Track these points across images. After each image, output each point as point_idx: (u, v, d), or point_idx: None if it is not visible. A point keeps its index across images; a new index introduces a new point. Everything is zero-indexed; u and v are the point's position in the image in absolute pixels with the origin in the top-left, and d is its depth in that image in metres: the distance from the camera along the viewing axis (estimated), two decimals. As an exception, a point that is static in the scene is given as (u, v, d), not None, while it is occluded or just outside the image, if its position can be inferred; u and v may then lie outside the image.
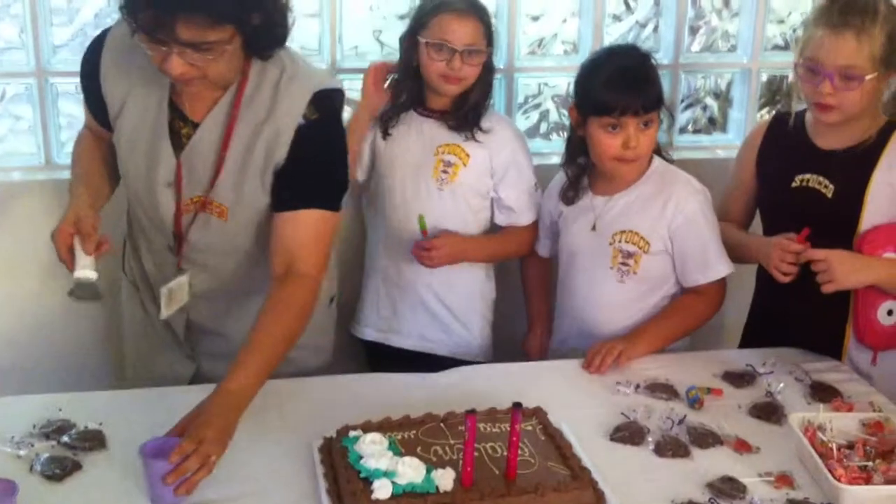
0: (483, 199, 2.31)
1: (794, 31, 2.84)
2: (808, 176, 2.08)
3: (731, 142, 2.88)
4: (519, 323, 2.46)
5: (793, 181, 2.10)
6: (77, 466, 1.61)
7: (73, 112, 2.51)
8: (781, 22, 2.95)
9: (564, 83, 2.85)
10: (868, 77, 1.92)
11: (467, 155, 2.26)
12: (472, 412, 1.52)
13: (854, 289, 2.01)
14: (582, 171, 2.20)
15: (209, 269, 1.95)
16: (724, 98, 2.97)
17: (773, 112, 2.34)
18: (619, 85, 2.05)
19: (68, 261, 1.69)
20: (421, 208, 2.24)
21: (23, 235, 2.45)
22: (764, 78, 2.91)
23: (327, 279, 1.99)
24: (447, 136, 2.26)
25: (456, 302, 2.34)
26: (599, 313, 2.17)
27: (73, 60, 2.50)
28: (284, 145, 1.79)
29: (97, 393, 1.90)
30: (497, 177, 2.30)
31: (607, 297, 2.16)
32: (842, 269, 1.92)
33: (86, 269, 1.67)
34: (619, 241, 2.13)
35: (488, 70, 2.26)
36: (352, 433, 1.61)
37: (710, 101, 3.00)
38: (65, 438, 1.68)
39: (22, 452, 1.63)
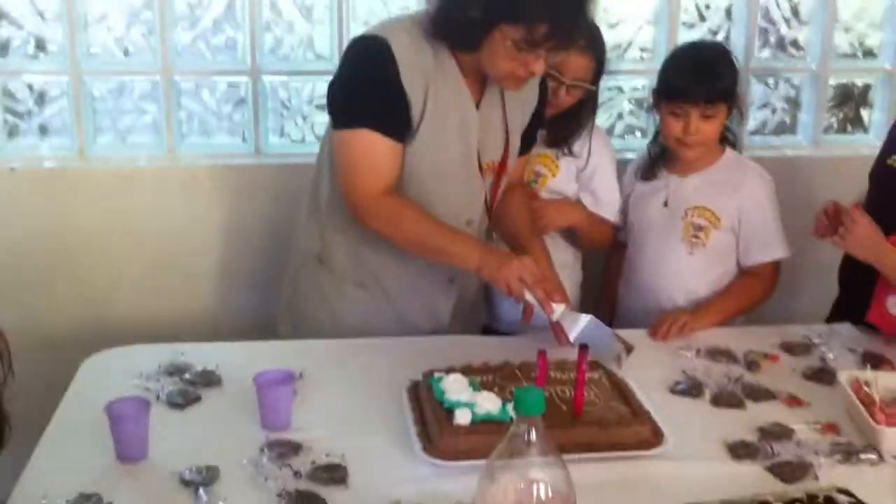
0: None
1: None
2: None
3: (800, 143, 3.03)
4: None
5: (889, 159, 2.23)
6: (197, 398, 1.84)
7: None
8: (848, 31, 3.08)
9: (640, 86, 3.03)
10: None
11: (557, 167, 2.44)
12: (543, 351, 1.72)
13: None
14: (663, 151, 2.39)
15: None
16: (794, 102, 3.11)
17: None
18: (686, 75, 2.24)
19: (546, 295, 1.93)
20: None
21: (148, 213, 2.79)
22: (832, 83, 3.06)
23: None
24: (538, 147, 2.37)
25: None
26: (669, 284, 2.35)
27: (193, 61, 2.81)
28: (534, 95, 2.13)
29: (212, 343, 2.14)
30: (584, 180, 2.46)
31: (676, 267, 2.34)
32: (856, 237, 2.05)
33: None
34: (692, 216, 2.32)
35: (593, 98, 2.40)
36: (436, 374, 1.81)
37: (780, 104, 3.14)
38: (186, 376, 1.92)
39: (150, 385, 1.88)
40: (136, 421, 1.60)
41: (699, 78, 2.23)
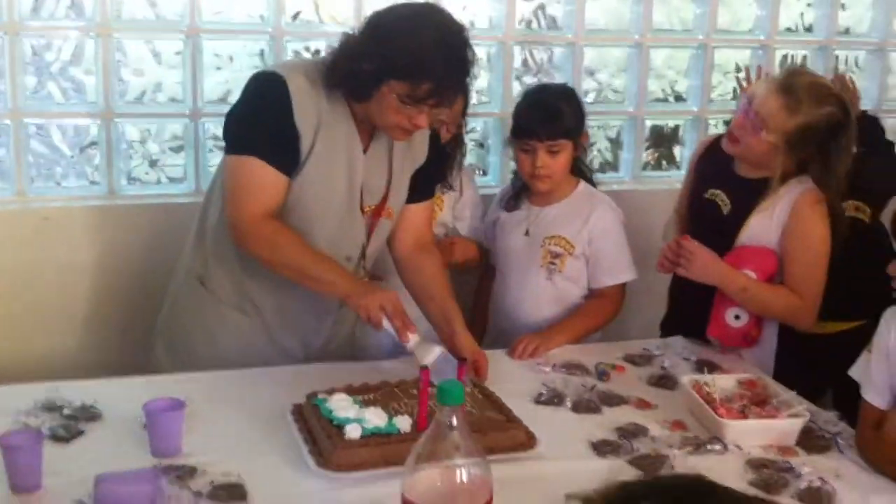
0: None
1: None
2: (717, 191, 2.47)
3: (623, 178, 3.32)
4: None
5: (706, 192, 2.49)
6: (80, 432, 1.84)
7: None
8: (660, 78, 3.42)
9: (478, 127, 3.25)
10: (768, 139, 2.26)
11: (442, 202, 2.63)
12: (424, 367, 1.85)
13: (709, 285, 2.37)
14: (524, 184, 2.59)
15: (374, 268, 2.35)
16: (616, 143, 3.41)
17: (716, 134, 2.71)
18: (532, 115, 2.45)
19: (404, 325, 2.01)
20: None
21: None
22: (649, 124, 3.38)
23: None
24: None
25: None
26: (530, 307, 2.55)
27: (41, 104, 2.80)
28: (423, 151, 2.25)
29: (87, 380, 2.13)
30: (458, 210, 2.69)
31: (536, 291, 2.55)
32: (697, 263, 2.33)
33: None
34: (549, 244, 2.53)
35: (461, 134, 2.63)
36: (320, 395, 1.90)
37: (604, 144, 3.43)
38: (65, 411, 1.91)
39: (30, 420, 1.86)
40: (30, 451, 1.61)
41: (543, 117, 2.45)
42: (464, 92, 2.02)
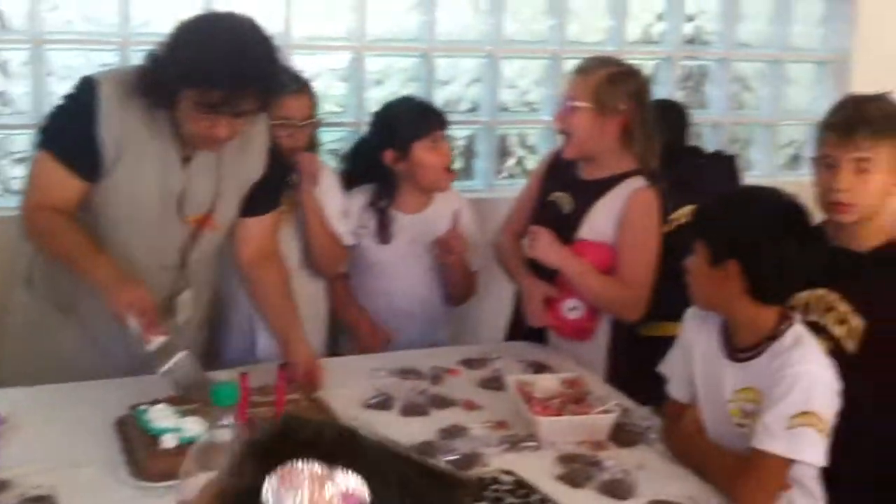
0: None
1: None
2: (560, 193, 2.57)
3: (477, 186, 3.40)
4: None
5: (550, 196, 2.59)
6: None
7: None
8: (513, 88, 3.51)
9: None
10: (578, 104, 2.42)
11: (291, 202, 2.63)
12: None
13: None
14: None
15: (198, 278, 2.32)
16: (470, 152, 3.49)
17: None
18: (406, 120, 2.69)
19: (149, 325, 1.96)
20: None
21: None
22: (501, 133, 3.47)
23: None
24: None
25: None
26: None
27: None
28: (260, 165, 2.24)
29: None
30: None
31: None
32: (542, 242, 2.43)
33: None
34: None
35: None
36: (142, 407, 1.91)
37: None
38: None
39: None
40: None
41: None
42: (265, 101, 2.02)
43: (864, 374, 1.90)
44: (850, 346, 1.99)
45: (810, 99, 3.94)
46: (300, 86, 2.56)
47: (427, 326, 2.75)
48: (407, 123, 2.65)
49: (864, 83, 3.67)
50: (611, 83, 2.43)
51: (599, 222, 2.47)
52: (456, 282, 2.74)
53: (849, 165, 1.98)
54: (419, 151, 2.63)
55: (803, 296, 2.00)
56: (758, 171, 3.88)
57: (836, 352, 1.95)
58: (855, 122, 1.98)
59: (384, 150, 2.66)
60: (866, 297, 2.00)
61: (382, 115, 2.74)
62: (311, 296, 2.65)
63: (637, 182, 2.47)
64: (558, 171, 2.62)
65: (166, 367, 1.96)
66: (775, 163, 3.94)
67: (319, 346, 2.67)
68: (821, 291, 2.02)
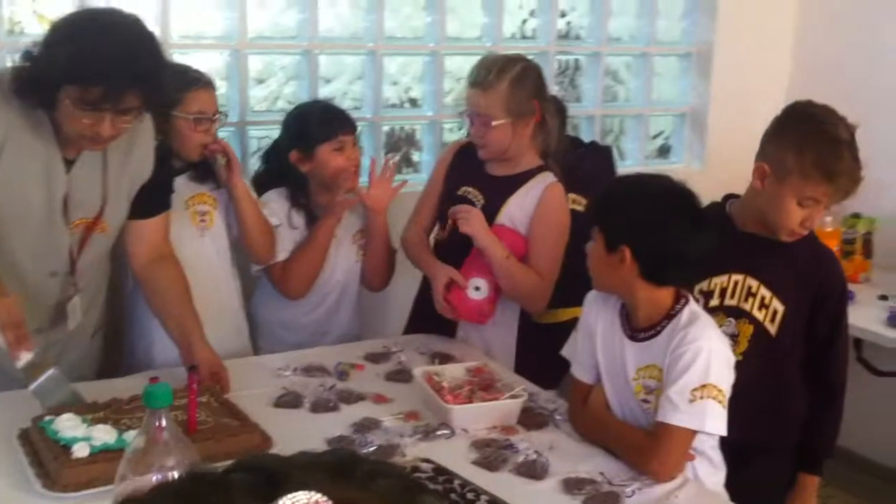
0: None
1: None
2: (470, 188, 2.61)
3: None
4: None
5: (459, 190, 2.63)
6: None
7: None
8: (395, 84, 3.54)
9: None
10: (496, 122, 2.46)
11: (216, 200, 2.61)
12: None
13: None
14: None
15: (89, 283, 2.26)
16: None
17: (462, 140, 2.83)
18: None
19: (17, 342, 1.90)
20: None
21: None
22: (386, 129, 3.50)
23: None
24: (191, 190, 2.57)
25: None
26: None
27: None
28: (148, 167, 2.19)
29: None
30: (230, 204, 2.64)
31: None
32: (477, 219, 2.49)
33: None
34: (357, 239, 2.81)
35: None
36: (47, 417, 1.86)
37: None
38: None
39: None
40: None
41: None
42: (148, 98, 1.96)
43: (786, 355, 2.06)
44: (772, 329, 2.11)
45: (677, 90, 4.11)
46: (206, 81, 2.55)
47: (350, 318, 2.81)
48: (313, 126, 2.67)
49: (726, 74, 3.97)
50: (516, 89, 2.48)
51: (516, 215, 2.55)
52: (382, 260, 2.78)
53: (823, 208, 2.09)
54: (323, 154, 2.65)
55: (720, 280, 2.12)
56: (630, 161, 4.02)
57: (759, 335, 2.08)
58: (842, 171, 2.02)
59: (290, 151, 2.67)
60: (784, 283, 2.11)
61: (291, 118, 2.77)
62: (233, 293, 2.67)
63: (548, 178, 2.55)
64: (464, 166, 2.68)
65: (34, 385, 1.92)
66: (646, 152, 4.11)
67: (244, 344, 2.68)
68: (738, 276, 2.13)
